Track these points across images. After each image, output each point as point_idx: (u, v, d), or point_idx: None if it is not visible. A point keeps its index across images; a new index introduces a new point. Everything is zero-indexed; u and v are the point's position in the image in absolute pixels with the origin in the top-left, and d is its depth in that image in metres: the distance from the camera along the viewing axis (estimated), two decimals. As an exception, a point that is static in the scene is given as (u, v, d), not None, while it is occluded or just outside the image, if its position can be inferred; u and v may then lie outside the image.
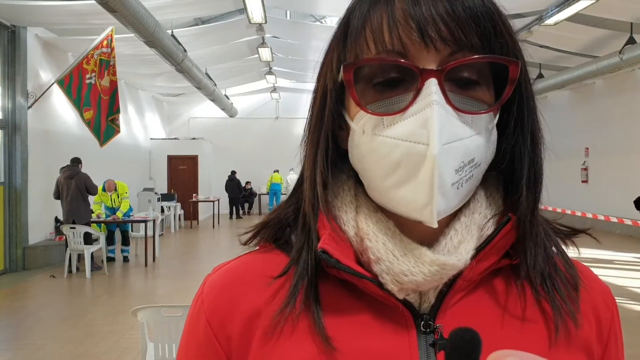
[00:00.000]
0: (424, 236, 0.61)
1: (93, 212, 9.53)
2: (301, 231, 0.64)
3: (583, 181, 15.40)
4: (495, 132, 0.61)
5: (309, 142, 0.65)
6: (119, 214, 9.74)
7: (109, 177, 10.22)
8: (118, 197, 9.95)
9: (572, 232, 0.68)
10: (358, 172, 0.63)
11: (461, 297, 0.61)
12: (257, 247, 0.69)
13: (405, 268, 0.57)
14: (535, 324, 0.61)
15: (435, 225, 0.55)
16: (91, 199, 9.32)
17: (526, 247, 0.61)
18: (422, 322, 0.60)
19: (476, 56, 0.55)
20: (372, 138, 0.58)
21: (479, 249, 0.60)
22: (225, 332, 0.63)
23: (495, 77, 0.59)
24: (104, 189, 9.93)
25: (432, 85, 0.54)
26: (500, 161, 0.63)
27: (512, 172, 0.63)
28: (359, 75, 0.58)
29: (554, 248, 0.65)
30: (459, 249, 0.59)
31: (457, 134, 0.55)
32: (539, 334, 0.61)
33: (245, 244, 0.69)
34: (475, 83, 0.58)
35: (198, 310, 0.65)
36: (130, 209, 10.13)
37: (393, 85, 0.57)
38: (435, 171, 0.53)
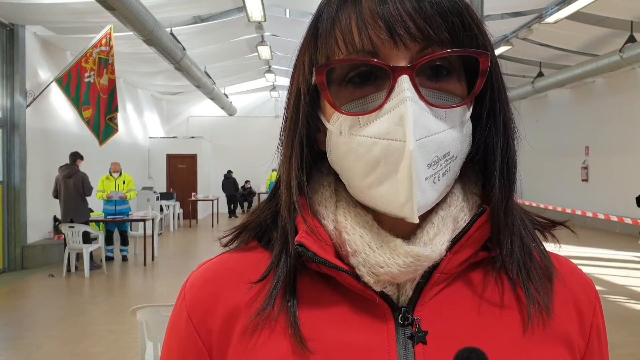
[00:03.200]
0: (403, 230, 0.61)
1: (92, 211, 9.50)
2: (280, 233, 0.64)
3: (583, 180, 15.40)
4: (469, 125, 0.61)
5: (284, 145, 0.66)
6: (128, 196, 9.81)
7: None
8: (124, 183, 9.91)
9: (551, 225, 0.69)
10: (338, 173, 0.64)
11: (439, 289, 0.62)
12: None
13: (380, 260, 0.58)
14: (511, 310, 0.62)
15: (416, 221, 0.56)
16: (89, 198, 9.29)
17: (502, 237, 0.62)
18: (400, 315, 0.60)
19: (446, 51, 0.56)
20: (350, 138, 0.58)
21: (455, 241, 0.60)
22: (206, 326, 0.63)
23: (467, 70, 0.60)
24: (110, 172, 9.90)
25: (404, 82, 0.54)
26: (475, 153, 0.63)
27: (487, 164, 0.63)
28: (332, 77, 0.58)
29: (531, 238, 0.66)
30: (434, 241, 0.59)
31: (431, 128, 0.55)
32: (513, 320, 0.61)
33: (225, 245, 0.70)
34: (447, 77, 0.58)
35: (180, 306, 0.66)
36: (129, 208, 10.12)
37: (366, 85, 0.58)
38: (413, 167, 0.53)
